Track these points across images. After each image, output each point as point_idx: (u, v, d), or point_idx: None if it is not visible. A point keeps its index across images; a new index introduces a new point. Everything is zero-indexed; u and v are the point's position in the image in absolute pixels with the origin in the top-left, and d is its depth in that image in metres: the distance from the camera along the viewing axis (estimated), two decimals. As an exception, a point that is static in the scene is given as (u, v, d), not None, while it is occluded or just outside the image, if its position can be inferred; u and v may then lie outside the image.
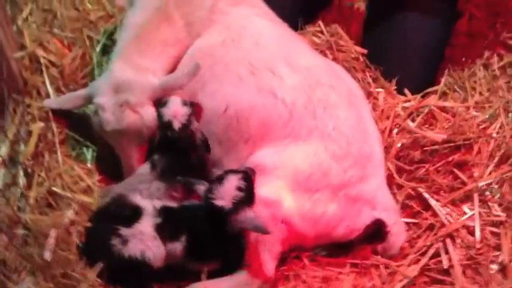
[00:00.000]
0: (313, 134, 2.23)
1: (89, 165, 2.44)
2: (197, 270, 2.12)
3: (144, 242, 2.06)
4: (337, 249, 2.39)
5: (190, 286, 2.13)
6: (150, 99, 2.28)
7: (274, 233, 2.11)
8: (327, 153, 2.21)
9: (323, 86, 2.32)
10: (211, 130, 2.34)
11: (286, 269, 2.32)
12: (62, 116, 2.46)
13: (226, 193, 2.01)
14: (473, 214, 2.39)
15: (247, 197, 2.04)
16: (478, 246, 2.32)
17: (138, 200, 2.17)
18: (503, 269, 2.27)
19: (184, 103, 2.32)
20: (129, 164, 2.31)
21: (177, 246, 2.10)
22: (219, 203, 2.00)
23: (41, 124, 2.36)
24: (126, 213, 2.11)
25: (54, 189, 2.21)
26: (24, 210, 2.06)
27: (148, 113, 2.27)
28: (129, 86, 2.24)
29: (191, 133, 2.32)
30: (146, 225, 2.09)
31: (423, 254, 2.36)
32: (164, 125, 2.30)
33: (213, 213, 2.03)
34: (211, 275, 2.11)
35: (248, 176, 2.09)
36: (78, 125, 2.49)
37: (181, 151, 2.31)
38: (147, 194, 2.22)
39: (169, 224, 2.12)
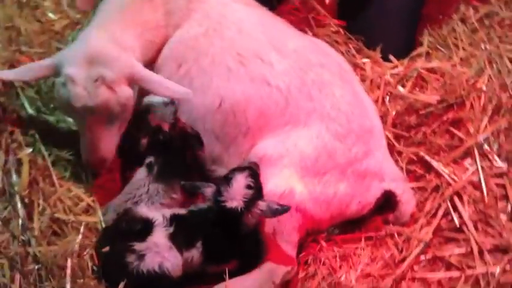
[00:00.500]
0: (312, 116, 2.20)
1: (86, 182, 2.34)
2: (217, 272, 2.09)
3: (160, 253, 2.01)
4: (349, 225, 2.39)
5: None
6: (127, 80, 2.07)
7: (290, 222, 2.09)
8: (329, 134, 2.19)
9: (314, 66, 2.28)
10: (207, 127, 2.27)
11: (305, 254, 2.32)
12: (48, 135, 2.35)
13: (237, 193, 1.97)
14: (476, 169, 2.43)
15: (257, 192, 2.01)
16: (485, 199, 2.37)
17: (146, 211, 2.11)
18: (512, 218, 2.33)
19: (166, 103, 2.26)
20: (93, 147, 2.10)
21: (194, 253, 2.06)
22: (230, 204, 1.97)
23: (29, 150, 2.24)
24: (137, 228, 2.05)
25: (57, 215, 2.12)
26: (31, 243, 1.96)
27: (125, 93, 2.05)
28: (107, 60, 2.01)
29: (181, 129, 2.28)
30: (160, 237, 2.04)
31: (433, 215, 2.40)
32: (155, 130, 2.24)
33: (225, 215, 2.00)
34: (233, 274, 2.09)
35: (254, 172, 2.05)
36: (67, 142, 2.38)
37: (176, 150, 2.26)
38: (147, 198, 2.18)
39: (182, 232, 2.07)
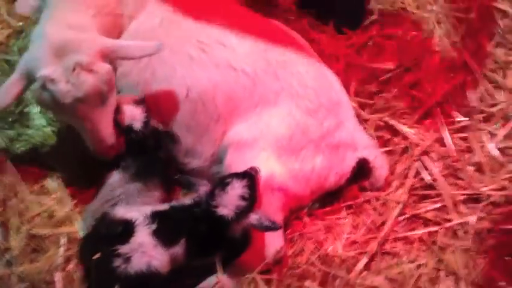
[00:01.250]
0: (281, 95, 2.21)
1: (58, 193, 2.25)
2: (205, 263, 2.08)
3: (146, 253, 1.97)
4: (328, 197, 2.43)
5: (205, 282, 2.10)
6: (101, 57, 1.99)
7: (273, 204, 2.10)
8: (300, 111, 2.21)
9: (275, 46, 2.28)
10: (176, 119, 2.24)
11: (290, 231, 2.35)
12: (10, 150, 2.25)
13: (230, 202, 1.89)
14: (439, 127, 2.53)
15: (250, 205, 1.94)
16: (452, 154, 2.48)
17: (124, 212, 2.05)
18: (479, 168, 2.45)
19: (137, 102, 2.21)
20: (98, 134, 2.02)
21: (178, 249, 2.03)
22: (221, 211, 1.90)
23: (-7, 167, 2.15)
24: (117, 231, 2.00)
25: (34, 231, 2.03)
26: (14, 264, 1.88)
27: (105, 69, 1.98)
28: (73, 46, 1.94)
29: (154, 128, 2.24)
30: (143, 236, 1.99)
31: (405, 176, 2.49)
32: (126, 130, 2.18)
33: (213, 218, 1.94)
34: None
35: (252, 181, 1.95)
36: (31, 155, 2.29)
37: (149, 148, 2.21)
38: (126, 198, 2.13)
39: (165, 228, 2.03)
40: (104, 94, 2.00)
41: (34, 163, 2.30)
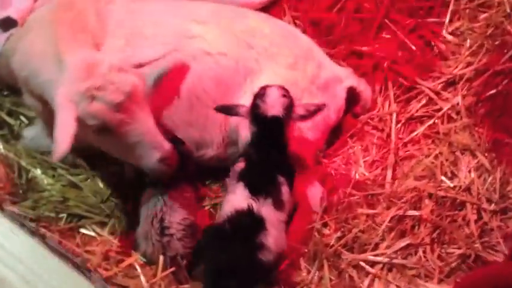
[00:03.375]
0: (260, 61, 2.30)
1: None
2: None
3: (277, 229, 2.01)
4: (331, 136, 2.58)
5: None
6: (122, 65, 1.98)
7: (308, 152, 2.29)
8: (282, 68, 2.32)
9: (235, 18, 2.36)
10: (176, 121, 2.28)
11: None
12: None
13: (275, 102, 2.01)
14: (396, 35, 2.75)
15: (292, 100, 2.06)
16: (415, 54, 2.70)
17: (235, 205, 2.00)
18: (442, 56, 2.71)
19: None
20: (156, 140, 1.98)
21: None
22: (272, 112, 2.00)
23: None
24: (247, 222, 1.95)
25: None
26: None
27: (133, 70, 1.98)
28: (97, 62, 1.91)
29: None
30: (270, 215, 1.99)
31: (386, 89, 2.71)
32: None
33: (267, 127, 2.03)
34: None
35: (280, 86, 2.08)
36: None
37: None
38: (168, 209, 2.15)
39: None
40: (141, 92, 1.97)
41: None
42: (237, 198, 2.00)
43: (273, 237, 1.95)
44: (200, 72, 2.26)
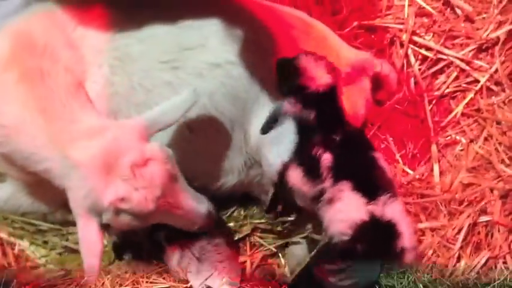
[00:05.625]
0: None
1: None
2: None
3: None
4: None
5: None
6: (144, 138, 1.63)
7: None
8: None
9: (226, 20, 1.91)
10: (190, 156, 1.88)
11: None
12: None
13: (320, 73, 1.82)
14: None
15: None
16: (438, 20, 2.35)
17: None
18: (467, 18, 2.36)
19: None
20: (192, 214, 1.71)
21: None
22: (325, 80, 1.80)
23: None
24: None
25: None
26: None
27: (155, 148, 1.63)
28: (112, 151, 1.58)
29: None
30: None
31: (408, 66, 2.37)
32: None
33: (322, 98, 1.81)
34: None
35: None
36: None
37: None
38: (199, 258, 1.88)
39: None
40: (175, 173, 1.63)
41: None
42: (348, 206, 1.67)
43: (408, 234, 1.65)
44: (211, 89, 1.83)
